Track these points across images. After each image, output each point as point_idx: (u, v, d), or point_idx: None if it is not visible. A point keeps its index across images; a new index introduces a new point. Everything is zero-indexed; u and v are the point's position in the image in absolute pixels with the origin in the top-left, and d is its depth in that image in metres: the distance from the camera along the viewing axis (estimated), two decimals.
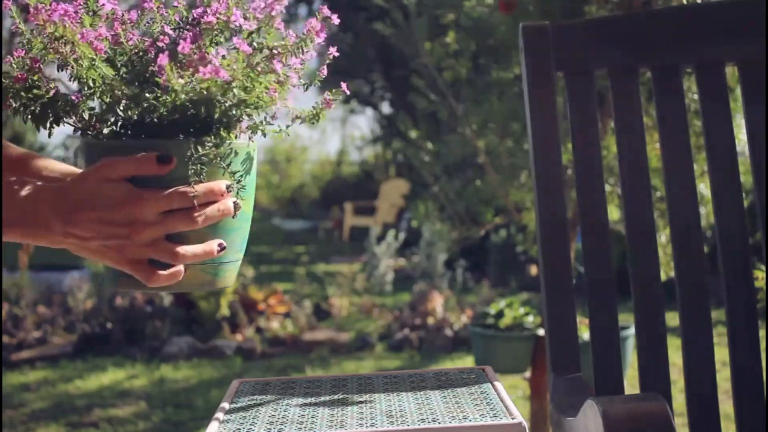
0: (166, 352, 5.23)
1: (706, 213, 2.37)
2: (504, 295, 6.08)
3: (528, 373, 3.30)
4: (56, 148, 8.99)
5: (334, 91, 0.87)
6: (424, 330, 5.50)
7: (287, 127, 0.87)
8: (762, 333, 1.21)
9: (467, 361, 4.96)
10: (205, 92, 0.80)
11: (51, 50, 0.81)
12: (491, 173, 2.83)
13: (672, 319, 1.12)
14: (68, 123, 0.86)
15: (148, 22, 0.88)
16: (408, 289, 6.54)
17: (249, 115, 0.85)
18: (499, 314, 4.83)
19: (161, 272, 0.83)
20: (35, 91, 0.83)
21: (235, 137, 0.86)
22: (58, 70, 0.83)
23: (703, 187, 2.16)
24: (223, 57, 0.81)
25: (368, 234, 7.72)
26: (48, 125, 0.85)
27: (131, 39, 0.85)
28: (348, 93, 0.88)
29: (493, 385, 0.97)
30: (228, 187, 0.83)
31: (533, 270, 7.12)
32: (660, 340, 1.18)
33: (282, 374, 4.72)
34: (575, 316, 1.18)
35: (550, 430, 1.87)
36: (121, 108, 0.83)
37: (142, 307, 5.55)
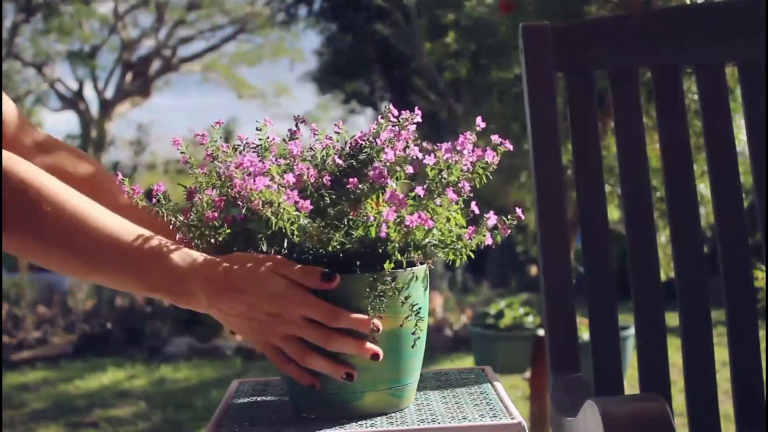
0: (166, 352, 5.23)
1: (706, 213, 2.37)
2: (504, 295, 6.09)
3: (528, 373, 3.30)
4: None
5: (510, 217, 0.88)
6: None
7: (471, 249, 0.87)
8: (762, 333, 1.21)
9: (467, 362, 4.96)
10: (410, 239, 0.82)
11: (252, 208, 0.82)
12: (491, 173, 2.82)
13: (672, 319, 1.12)
14: None
15: (317, 155, 0.90)
16: None
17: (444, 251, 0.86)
18: (499, 314, 4.83)
19: (293, 365, 0.86)
20: (220, 230, 0.87)
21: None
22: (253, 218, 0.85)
23: (703, 187, 2.16)
24: (418, 197, 0.84)
25: None
26: None
27: (312, 176, 0.86)
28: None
29: (493, 386, 0.97)
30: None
31: (533, 270, 7.11)
32: (660, 340, 1.18)
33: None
34: (575, 316, 1.18)
35: (550, 430, 1.87)
36: (308, 246, 0.85)
37: (142, 307, 5.56)
